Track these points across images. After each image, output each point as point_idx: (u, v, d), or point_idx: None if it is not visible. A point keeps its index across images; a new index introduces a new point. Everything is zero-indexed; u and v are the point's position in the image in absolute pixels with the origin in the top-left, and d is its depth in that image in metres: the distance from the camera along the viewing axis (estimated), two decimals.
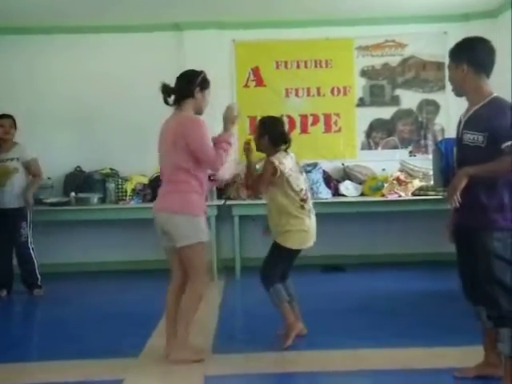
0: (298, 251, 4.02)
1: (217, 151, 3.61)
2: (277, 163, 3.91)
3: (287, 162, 3.97)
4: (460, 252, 3.16)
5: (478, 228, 2.97)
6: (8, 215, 5.58)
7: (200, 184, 3.65)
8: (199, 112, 3.76)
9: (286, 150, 4.04)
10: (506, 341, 2.94)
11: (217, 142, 3.70)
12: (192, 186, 3.60)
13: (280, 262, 4.01)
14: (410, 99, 6.90)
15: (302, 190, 3.99)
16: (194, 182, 3.60)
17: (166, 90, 3.70)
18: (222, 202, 6.28)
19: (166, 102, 3.73)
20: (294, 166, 4.03)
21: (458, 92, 3.12)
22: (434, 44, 6.80)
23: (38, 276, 5.71)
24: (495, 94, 3.02)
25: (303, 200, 3.98)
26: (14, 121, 5.71)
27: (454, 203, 2.93)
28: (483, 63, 3.00)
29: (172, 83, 3.76)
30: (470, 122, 3.02)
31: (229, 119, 3.80)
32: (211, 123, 6.51)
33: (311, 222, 4.04)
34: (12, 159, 5.63)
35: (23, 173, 5.69)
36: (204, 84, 3.74)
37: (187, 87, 3.69)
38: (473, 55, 2.99)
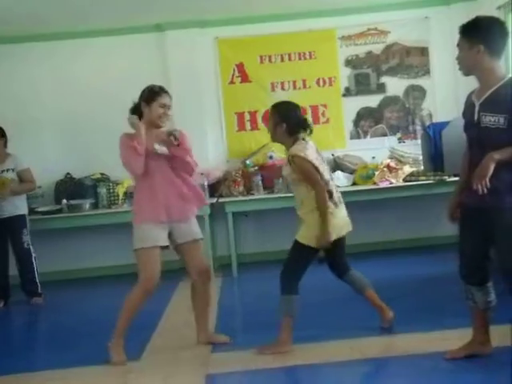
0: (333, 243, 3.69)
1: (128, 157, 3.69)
2: (302, 155, 3.59)
3: (310, 151, 3.65)
4: (467, 231, 3.15)
5: (505, 207, 2.93)
6: (7, 224, 5.59)
7: (150, 188, 3.74)
8: (154, 125, 3.79)
9: (304, 139, 3.70)
10: None
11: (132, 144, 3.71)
12: (141, 193, 3.78)
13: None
14: (395, 86, 6.91)
15: (328, 180, 3.69)
16: (142, 190, 3.76)
17: (130, 110, 3.87)
18: (215, 199, 6.28)
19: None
20: (317, 155, 3.70)
21: (468, 72, 3.04)
22: (416, 29, 6.81)
23: (38, 284, 5.72)
24: (510, 75, 3.00)
25: (330, 192, 3.66)
26: (2, 133, 5.69)
27: (482, 189, 2.87)
28: (498, 45, 2.96)
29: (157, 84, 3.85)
30: (488, 104, 2.96)
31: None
32: (199, 121, 6.62)
33: (341, 212, 3.73)
34: (7, 170, 5.65)
35: (18, 183, 5.70)
36: (149, 97, 3.75)
37: (137, 104, 3.82)
38: (489, 36, 2.93)
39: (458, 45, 3.05)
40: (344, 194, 6.67)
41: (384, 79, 6.92)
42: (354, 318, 4.25)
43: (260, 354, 3.63)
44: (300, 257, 3.73)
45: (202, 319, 3.97)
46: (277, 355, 3.62)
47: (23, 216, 5.71)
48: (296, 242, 3.72)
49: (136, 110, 3.83)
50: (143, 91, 3.83)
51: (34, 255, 5.72)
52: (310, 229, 3.65)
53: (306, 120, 3.79)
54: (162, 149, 3.76)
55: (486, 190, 2.87)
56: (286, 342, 3.67)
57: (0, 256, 5.67)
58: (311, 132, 3.78)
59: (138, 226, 3.76)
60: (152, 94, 3.75)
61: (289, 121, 3.68)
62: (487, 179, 2.86)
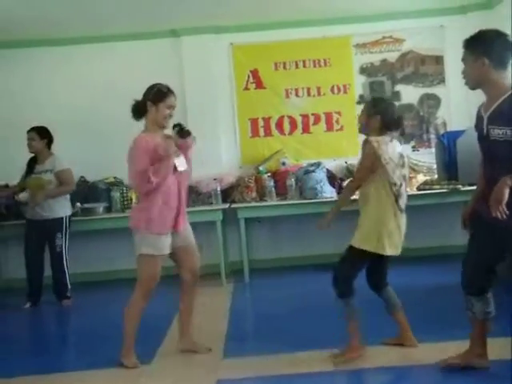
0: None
1: (141, 174, 3.60)
2: (376, 145, 3.48)
3: (388, 148, 3.51)
4: (476, 242, 3.14)
5: None
6: (43, 226, 5.63)
7: (162, 199, 3.69)
8: (158, 126, 3.76)
9: (392, 138, 3.60)
10: None
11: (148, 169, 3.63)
12: (151, 202, 3.68)
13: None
14: (410, 94, 6.89)
15: (396, 184, 3.53)
16: (153, 199, 3.68)
17: (132, 108, 3.82)
18: (227, 205, 6.30)
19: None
20: (395, 157, 3.55)
21: (474, 85, 3.04)
22: (431, 38, 6.80)
23: (68, 286, 5.77)
24: None
25: (396, 195, 3.53)
26: (38, 133, 5.72)
27: (501, 216, 2.83)
28: (503, 57, 2.96)
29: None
30: (495, 117, 2.95)
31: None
32: (213, 127, 6.64)
33: (403, 218, 3.65)
34: (46, 171, 5.68)
35: (56, 185, 5.70)
36: (157, 97, 3.71)
37: (141, 102, 3.77)
38: (493, 48, 2.93)
39: (462, 59, 3.05)
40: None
41: (399, 87, 6.91)
42: (368, 326, 4.22)
43: (334, 363, 3.53)
44: (352, 260, 3.62)
45: (187, 324, 3.96)
46: (291, 361, 3.60)
47: (58, 219, 5.70)
48: (350, 246, 3.65)
49: (138, 108, 3.79)
50: (150, 90, 3.77)
51: (65, 257, 5.74)
52: (363, 231, 3.61)
53: (400, 119, 3.66)
54: (182, 164, 3.77)
55: (505, 216, 2.82)
56: (357, 347, 3.58)
57: (36, 257, 5.73)
58: (403, 133, 3.71)
59: (145, 233, 3.70)
60: (160, 95, 3.72)
61: (384, 115, 3.57)
62: (503, 204, 2.81)
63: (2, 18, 5.89)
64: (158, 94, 3.72)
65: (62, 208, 5.77)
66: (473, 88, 3.07)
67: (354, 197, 3.77)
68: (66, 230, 5.75)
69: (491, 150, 3.01)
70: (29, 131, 5.74)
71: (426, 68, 6.89)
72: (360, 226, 3.67)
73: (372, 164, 3.50)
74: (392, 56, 6.89)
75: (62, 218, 5.74)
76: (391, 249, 3.59)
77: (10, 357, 4.28)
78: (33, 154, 5.78)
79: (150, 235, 3.68)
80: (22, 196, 5.64)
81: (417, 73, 6.90)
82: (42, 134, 5.74)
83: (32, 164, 5.74)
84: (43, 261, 5.79)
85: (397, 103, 6.83)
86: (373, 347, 3.72)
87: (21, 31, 6.40)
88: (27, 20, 6.04)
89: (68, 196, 5.86)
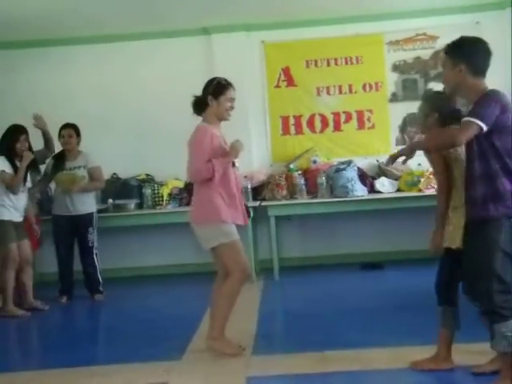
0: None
1: (206, 164, 3.65)
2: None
3: None
4: (465, 246, 3.10)
5: (482, 220, 2.93)
6: (75, 222, 5.71)
7: (226, 191, 3.73)
8: (220, 119, 3.83)
9: None
10: (498, 336, 2.90)
11: (211, 161, 3.69)
12: (215, 194, 3.70)
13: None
14: None
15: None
16: (216, 191, 3.70)
17: (192, 103, 3.84)
18: (258, 203, 6.30)
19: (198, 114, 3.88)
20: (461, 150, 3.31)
21: (452, 90, 3.10)
22: (466, 35, 6.67)
23: (100, 281, 5.84)
24: (489, 88, 3.00)
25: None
26: (75, 130, 5.82)
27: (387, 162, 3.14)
28: (480, 64, 3.01)
29: (202, 89, 3.84)
30: None
31: (234, 152, 3.81)
32: (244, 125, 6.64)
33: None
34: (79, 167, 5.76)
35: (88, 180, 5.80)
36: (217, 90, 3.75)
37: (202, 96, 3.80)
38: (471, 55, 2.99)
39: (442, 64, 3.15)
40: (389, 200, 6.60)
41: (432, 85, 6.80)
42: (397, 326, 4.19)
43: (417, 369, 3.35)
44: (442, 262, 3.38)
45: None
46: (319, 360, 3.59)
47: (91, 214, 5.80)
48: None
49: (199, 104, 3.83)
50: (209, 84, 3.81)
51: (95, 252, 5.81)
52: (447, 229, 3.32)
53: (459, 111, 3.42)
54: (237, 161, 3.87)
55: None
56: (444, 357, 3.32)
57: (68, 253, 5.81)
58: None
59: (216, 224, 3.70)
60: (220, 88, 3.76)
61: (441, 111, 3.39)
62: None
63: (39, 16, 5.99)
64: (218, 87, 3.76)
65: (92, 203, 5.86)
66: (451, 93, 3.14)
67: None
68: (96, 225, 5.83)
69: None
70: (65, 128, 5.81)
71: None
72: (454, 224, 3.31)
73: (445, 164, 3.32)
74: (425, 53, 6.80)
75: (93, 213, 5.82)
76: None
77: (49, 349, 4.40)
78: (54, 151, 5.83)
79: (220, 226, 3.70)
80: (36, 192, 5.70)
81: None
82: (77, 131, 5.83)
83: (60, 160, 5.80)
84: (73, 255, 5.86)
85: None
86: (408, 347, 3.68)
87: (56, 29, 6.49)
88: (63, 18, 6.13)
89: (94, 193, 5.95)
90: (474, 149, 2.93)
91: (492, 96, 2.92)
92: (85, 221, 5.75)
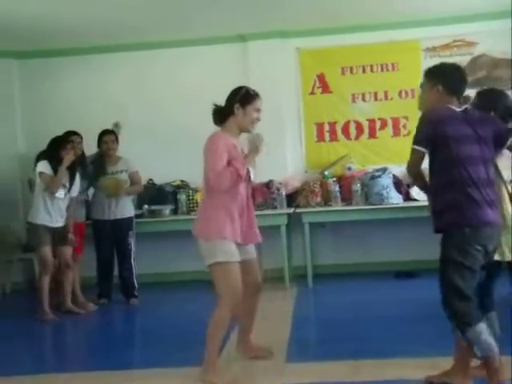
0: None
1: (224, 170, 3.43)
2: None
3: None
4: None
5: (438, 231, 3.11)
6: (115, 226, 5.81)
7: (232, 208, 3.51)
8: (243, 130, 3.63)
9: None
10: (471, 343, 3.01)
11: (232, 163, 3.49)
12: (220, 210, 3.49)
13: None
14: None
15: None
16: (222, 207, 3.49)
17: (214, 111, 3.65)
18: (292, 209, 6.30)
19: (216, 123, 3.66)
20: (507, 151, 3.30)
21: (425, 109, 3.25)
22: (505, 41, 6.58)
23: (136, 286, 5.92)
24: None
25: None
26: (116, 136, 5.93)
27: None
28: (456, 86, 3.21)
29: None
30: None
31: (253, 147, 3.60)
32: (278, 131, 6.65)
33: None
34: (121, 171, 5.88)
35: (129, 184, 5.93)
36: (245, 99, 3.56)
37: (227, 104, 3.59)
38: (448, 78, 3.19)
39: (420, 85, 3.37)
40: (424, 208, 6.49)
41: (469, 92, 6.69)
42: (431, 335, 4.14)
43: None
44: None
45: (248, 331, 3.87)
46: (353, 368, 3.56)
47: (131, 218, 5.91)
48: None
49: (221, 113, 3.63)
50: (236, 93, 3.61)
51: (133, 256, 5.89)
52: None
53: None
54: (253, 175, 3.67)
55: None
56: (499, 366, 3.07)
57: (109, 258, 5.90)
58: None
59: (216, 240, 3.49)
60: (249, 97, 3.58)
61: (497, 108, 3.42)
62: None
63: (78, 25, 6.13)
64: (246, 96, 3.57)
65: (131, 208, 5.97)
66: (424, 111, 3.26)
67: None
68: (134, 230, 5.91)
69: None
70: (107, 134, 5.91)
71: (499, 72, 6.67)
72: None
73: None
74: (463, 60, 6.69)
75: (132, 218, 5.92)
76: None
77: (86, 352, 4.53)
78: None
79: (220, 244, 3.48)
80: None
81: (489, 77, 6.69)
82: (116, 137, 5.93)
83: (100, 166, 5.88)
84: (114, 260, 5.95)
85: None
86: (439, 358, 3.63)
87: (95, 37, 6.63)
88: (102, 26, 6.25)
89: (131, 198, 6.06)
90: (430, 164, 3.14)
91: (423, 117, 3.15)
92: (125, 225, 5.84)
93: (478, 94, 3.70)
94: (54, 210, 5.35)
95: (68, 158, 5.33)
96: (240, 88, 3.65)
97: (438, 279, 3.10)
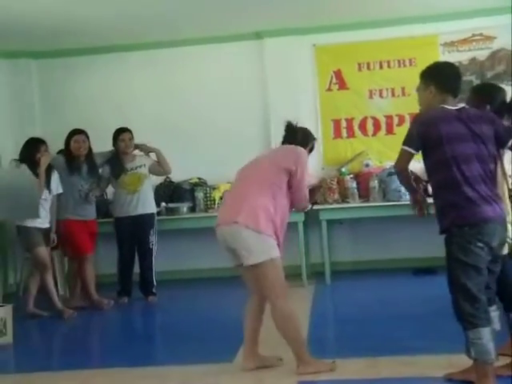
0: None
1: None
2: None
3: None
4: None
5: (441, 231, 3.18)
6: (137, 223, 5.82)
7: (282, 209, 3.66)
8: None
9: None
10: (468, 343, 2.97)
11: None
12: (271, 202, 3.57)
13: None
14: None
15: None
16: (274, 201, 3.59)
17: (289, 130, 3.82)
18: (309, 206, 6.27)
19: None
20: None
21: (425, 110, 3.25)
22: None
23: (154, 283, 5.94)
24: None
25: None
26: (132, 134, 5.95)
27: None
28: (450, 85, 3.17)
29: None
30: None
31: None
32: None
33: None
34: (140, 166, 5.90)
35: (150, 180, 5.97)
36: (311, 150, 3.86)
37: (303, 142, 3.78)
38: (441, 78, 3.17)
39: (417, 88, 3.31)
40: None
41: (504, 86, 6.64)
42: (450, 332, 4.09)
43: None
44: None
45: (255, 340, 3.67)
46: (372, 365, 3.55)
47: (152, 215, 5.93)
48: None
49: (292, 139, 3.79)
50: (310, 139, 3.87)
51: (154, 254, 5.91)
52: None
53: (510, 103, 3.41)
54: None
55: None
56: None
57: (130, 255, 5.92)
58: None
59: (265, 235, 3.41)
60: (311, 149, 3.88)
61: (492, 102, 3.39)
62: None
63: (99, 25, 6.20)
64: (311, 149, 3.87)
65: (153, 204, 5.98)
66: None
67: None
68: (156, 227, 5.93)
69: None
70: (124, 132, 5.93)
71: None
72: None
73: None
74: (482, 54, 6.65)
75: (154, 214, 5.94)
76: None
77: (104, 349, 4.57)
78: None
79: (268, 239, 3.41)
80: (93, 193, 5.78)
81: (508, 71, 6.62)
82: (132, 135, 5.96)
83: (118, 163, 5.90)
84: (134, 257, 5.96)
85: None
86: (458, 355, 3.61)
87: (115, 36, 6.67)
88: (121, 25, 6.29)
89: (153, 195, 6.08)
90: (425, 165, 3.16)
91: (413, 120, 3.22)
92: (147, 221, 5.85)
93: (473, 89, 3.71)
94: (41, 212, 5.32)
95: (44, 159, 5.35)
96: (312, 137, 3.89)
97: (446, 280, 3.08)
